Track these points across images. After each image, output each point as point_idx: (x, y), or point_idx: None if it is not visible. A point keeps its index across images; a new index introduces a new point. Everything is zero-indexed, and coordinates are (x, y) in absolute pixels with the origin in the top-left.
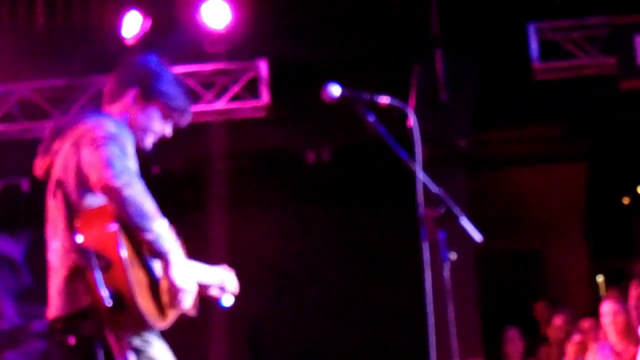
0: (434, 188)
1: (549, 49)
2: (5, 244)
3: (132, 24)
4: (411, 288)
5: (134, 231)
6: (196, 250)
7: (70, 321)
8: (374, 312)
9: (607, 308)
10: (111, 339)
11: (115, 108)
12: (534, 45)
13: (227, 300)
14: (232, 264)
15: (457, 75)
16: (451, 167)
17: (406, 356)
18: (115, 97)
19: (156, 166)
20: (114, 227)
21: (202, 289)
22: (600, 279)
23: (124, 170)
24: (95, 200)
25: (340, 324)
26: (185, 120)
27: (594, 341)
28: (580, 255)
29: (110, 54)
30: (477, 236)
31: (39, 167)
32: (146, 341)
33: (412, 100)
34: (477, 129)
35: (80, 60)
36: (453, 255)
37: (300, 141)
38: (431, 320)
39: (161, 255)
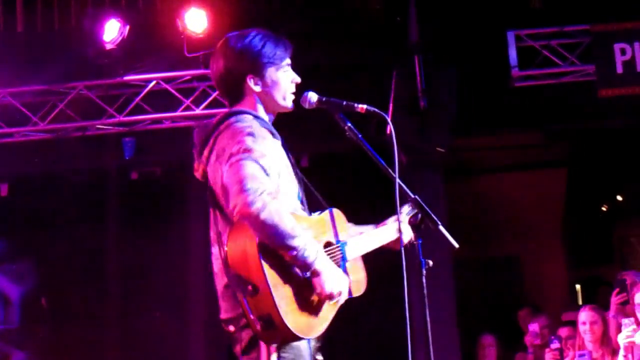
0: (411, 195)
1: (527, 57)
2: (6, 283)
3: (112, 30)
4: (388, 294)
5: (279, 252)
6: (177, 254)
7: (229, 323)
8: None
9: (584, 317)
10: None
11: (248, 103)
12: (512, 53)
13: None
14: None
15: (436, 82)
16: (429, 173)
17: None
18: (239, 95)
19: (135, 172)
20: (256, 251)
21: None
22: (578, 286)
23: (258, 191)
24: None
25: None
26: (289, 49)
27: (572, 348)
28: (559, 262)
29: (89, 60)
30: (454, 243)
31: (196, 170)
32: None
33: (391, 107)
34: (455, 136)
35: (60, 66)
36: (429, 263)
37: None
38: (408, 326)
39: (307, 269)
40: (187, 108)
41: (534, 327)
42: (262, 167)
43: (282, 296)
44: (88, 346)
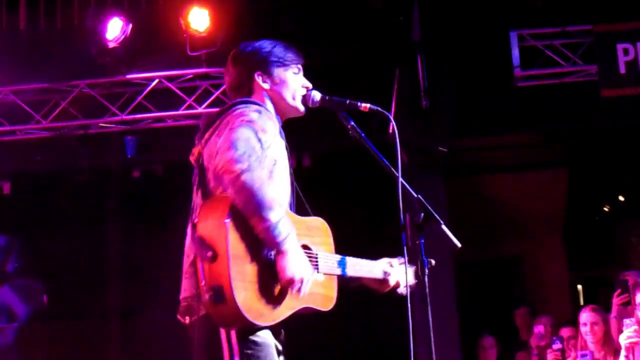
0: (414, 194)
1: (530, 56)
2: (15, 299)
3: (115, 29)
4: (390, 295)
5: (249, 221)
6: (178, 253)
7: (192, 302)
8: (351, 318)
9: (585, 318)
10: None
11: (255, 98)
12: (515, 53)
13: (401, 291)
14: None
15: (438, 81)
16: (431, 173)
17: None
18: (248, 94)
19: (137, 170)
20: (225, 218)
21: (369, 282)
22: (579, 287)
23: (247, 153)
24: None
25: (316, 330)
26: (301, 57)
27: (574, 349)
28: (560, 262)
29: (92, 58)
30: (456, 243)
31: (192, 154)
32: (261, 344)
33: (393, 107)
34: (457, 136)
35: (62, 65)
36: (432, 262)
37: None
38: (410, 326)
39: (274, 246)
40: (190, 107)
41: (539, 328)
42: (259, 139)
43: (241, 271)
44: (89, 344)
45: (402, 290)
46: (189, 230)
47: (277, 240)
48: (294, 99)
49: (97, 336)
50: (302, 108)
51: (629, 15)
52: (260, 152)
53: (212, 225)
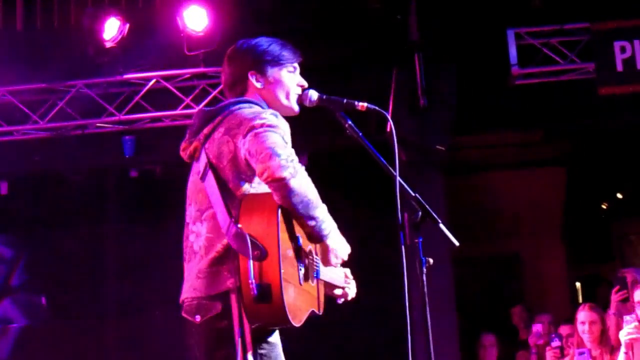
0: (412, 193)
1: (528, 55)
2: (16, 313)
3: (112, 29)
4: (388, 293)
5: (297, 220)
6: (176, 252)
7: (204, 302)
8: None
9: (583, 316)
10: (246, 327)
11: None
12: (512, 51)
13: (340, 301)
14: None
15: (436, 80)
16: (429, 171)
17: None
18: (241, 93)
19: (135, 170)
20: (276, 218)
21: (329, 288)
22: (578, 284)
23: (289, 159)
24: (252, 189)
25: (315, 328)
26: (298, 56)
27: (573, 346)
28: (559, 260)
29: (89, 57)
30: (454, 241)
31: (184, 149)
32: (273, 344)
33: (391, 106)
34: (455, 134)
35: (59, 65)
36: (430, 261)
37: None
38: (409, 325)
39: (320, 239)
40: (187, 106)
41: (537, 327)
42: (287, 140)
43: (288, 272)
44: (87, 344)
45: (340, 300)
46: (201, 228)
47: (323, 234)
48: (287, 98)
49: (95, 336)
50: (296, 108)
51: (626, 13)
52: (295, 155)
53: (262, 224)
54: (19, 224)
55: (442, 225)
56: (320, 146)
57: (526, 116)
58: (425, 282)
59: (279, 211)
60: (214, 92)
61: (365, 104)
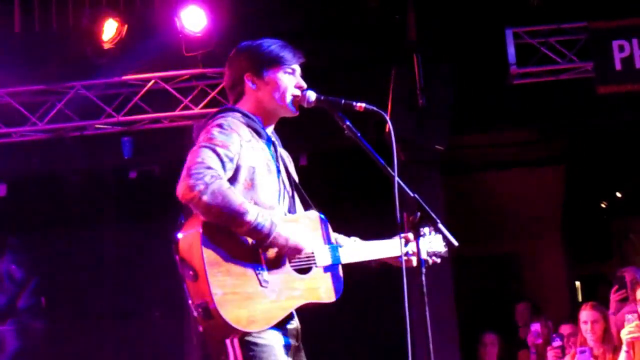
0: (410, 193)
1: (526, 54)
2: (12, 340)
3: (110, 30)
4: (388, 293)
5: (232, 230)
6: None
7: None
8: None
9: (585, 315)
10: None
11: (245, 102)
12: (511, 50)
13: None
14: None
15: (434, 79)
16: (428, 171)
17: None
18: (240, 95)
19: (134, 171)
20: (198, 236)
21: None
22: (578, 283)
23: (201, 174)
24: None
25: (314, 329)
26: (298, 57)
27: (574, 346)
28: (558, 258)
29: (88, 59)
30: (453, 241)
31: None
32: (262, 345)
33: (389, 105)
34: (454, 133)
35: (58, 66)
36: (429, 261)
37: (281, 143)
38: (408, 325)
39: (267, 238)
40: (186, 107)
41: (535, 326)
42: (218, 155)
43: (221, 285)
44: (86, 345)
45: (432, 259)
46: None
47: (265, 232)
48: (283, 100)
49: (94, 337)
50: (293, 109)
51: (624, 12)
52: (220, 168)
53: (188, 244)
54: (18, 225)
55: (441, 225)
56: (319, 147)
57: (525, 115)
58: (424, 282)
59: (201, 229)
60: (213, 93)
61: (364, 105)
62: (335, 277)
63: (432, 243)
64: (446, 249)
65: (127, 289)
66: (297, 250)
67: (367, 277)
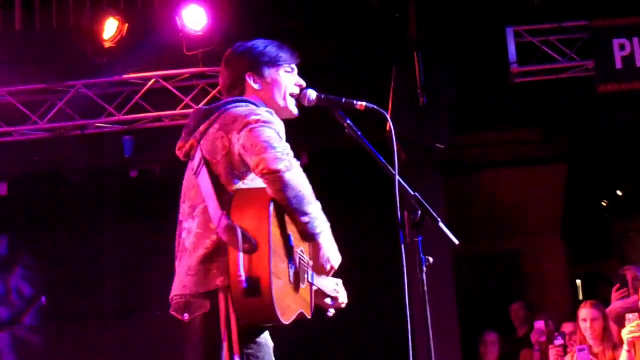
0: (411, 192)
1: (527, 52)
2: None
3: (111, 28)
4: (389, 292)
5: (290, 215)
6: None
7: (192, 300)
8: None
9: (585, 314)
10: (233, 327)
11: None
12: (512, 49)
13: (331, 313)
14: None
15: (435, 78)
16: (429, 170)
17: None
18: (240, 94)
19: (134, 170)
20: (268, 211)
21: (318, 296)
22: (579, 281)
23: (285, 152)
24: (245, 186)
25: (315, 327)
26: (296, 57)
27: (576, 344)
28: (559, 257)
29: (88, 58)
30: (454, 240)
31: (180, 148)
32: (261, 344)
33: (390, 104)
34: (455, 132)
35: (58, 65)
36: (430, 260)
37: None
38: (409, 323)
39: (313, 237)
40: (187, 106)
41: (539, 324)
42: (282, 136)
43: (278, 266)
44: (87, 345)
45: (331, 313)
46: (192, 224)
47: (316, 232)
48: (285, 99)
49: (94, 337)
50: (293, 109)
51: (625, 11)
52: (290, 149)
53: (254, 217)
54: (18, 224)
55: (442, 224)
56: (319, 145)
57: (526, 114)
58: (425, 281)
59: (272, 206)
60: (214, 92)
61: (364, 103)
62: (312, 294)
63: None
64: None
65: (127, 288)
66: (325, 259)
67: (368, 275)
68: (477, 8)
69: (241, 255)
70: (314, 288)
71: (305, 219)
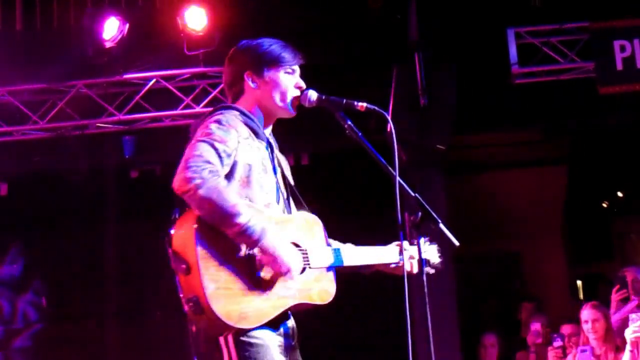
0: (412, 193)
1: (527, 54)
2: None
3: (111, 28)
4: (389, 292)
5: (220, 229)
6: None
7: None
8: (351, 316)
9: (586, 315)
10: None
11: (244, 101)
12: (512, 50)
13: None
14: None
15: (436, 79)
16: (430, 171)
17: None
18: (239, 93)
19: (135, 170)
20: (193, 230)
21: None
22: (579, 282)
23: (200, 167)
24: None
25: (314, 326)
26: (298, 58)
27: (575, 346)
28: (559, 258)
29: (89, 58)
30: (454, 241)
31: None
32: (257, 345)
33: (391, 105)
34: (455, 133)
35: (59, 65)
36: (430, 261)
37: (278, 146)
38: (409, 324)
39: (252, 244)
40: (187, 106)
41: (535, 326)
42: (216, 150)
43: (214, 279)
44: (87, 345)
45: (427, 269)
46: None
47: (254, 239)
48: (283, 100)
49: (94, 338)
50: (291, 110)
51: (626, 12)
52: (218, 163)
53: (182, 238)
54: (19, 224)
55: (442, 225)
56: (319, 147)
57: (526, 115)
58: (425, 282)
59: (196, 224)
60: (214, 92)
61: (365, 104)
62: (328, 280)
63: (427, 253)
64: (440, 260)
65: (127, 289)
66: (277, 263)
67: (368, 277)
68: (478, 9)
69: (177, 279)
70: (325, 272)
71: (234, 230)
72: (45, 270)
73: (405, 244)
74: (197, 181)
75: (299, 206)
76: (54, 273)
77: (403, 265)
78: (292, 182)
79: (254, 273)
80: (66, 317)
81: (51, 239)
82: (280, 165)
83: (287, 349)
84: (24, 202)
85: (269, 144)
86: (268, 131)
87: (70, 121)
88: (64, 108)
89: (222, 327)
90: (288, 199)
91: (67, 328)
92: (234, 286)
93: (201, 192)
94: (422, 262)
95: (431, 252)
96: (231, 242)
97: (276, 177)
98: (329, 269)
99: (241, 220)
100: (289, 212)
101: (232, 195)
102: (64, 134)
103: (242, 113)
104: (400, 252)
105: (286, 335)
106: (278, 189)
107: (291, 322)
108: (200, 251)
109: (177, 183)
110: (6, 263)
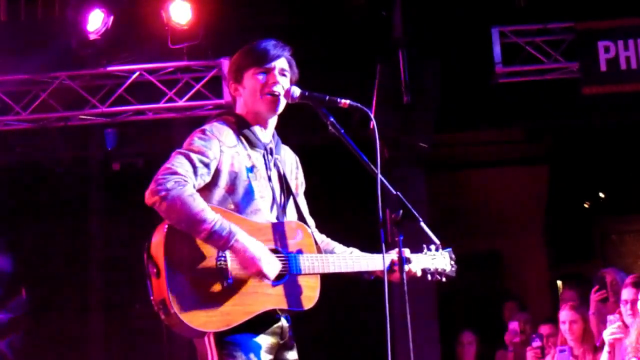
0: (393, 191)
1: (511, 53)
2: None
3: (96, 21)
4: (369, 290)
5: (191, 235)
6: None
7: None
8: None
9: (564, 316)
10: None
11: (239, 108)
12: (496, 49)
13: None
14: None
15: (420, 77)
16: (411, 168)
17: (364, 358)
18: (234, 100)
19: (117, 163)
20: (162, 237)
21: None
22: (560, 282)
23: (164, 181)
24: None
25: (297, 326)
26: (272, 56)
27: (554, 346)
28: (540, 258)
29: (73, 49)
30: (435, 240)
31: None
32: (238, 345)
33: (374, 102)
34: (438, 131)
35: (42, 56)
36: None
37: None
38: (388, 322)
39: (222, 248)
40: (170, 100)
41: (513, 325)
42: (191, 160)
43: (180, 283)
44: (70, 338)
45: (437, 277)
46: None
47: (222, 241)
48: (259, 100)
49: (79, 330)
50: (271, 108)
51: (611, 13)
52: (189, 173)
53: (154, 244)
54: (1, 215)
55: (422, 224)
56: (301, 143)
57: (509, 114)
58: (405, 280)
59: (166, 229)
60: (198, 86)
61: (348, 101)
62: (309, 287)
63: (436, 260)
64: (453, 269)
65: (111, 281)
66: (249, 265)
67: (344, 275)
68: (463, 7)
69: (149, 282)
70: (308, 277)
71: (201, 236)
72: (27, 262)
73: (407, 251)
74: (162, 193)
75: (298, 212)
76: (37, 265)
77: (384, 264)
78: (296, 187)
79: (226, 278)
80: (48, 309)
81: (33, 230)
82: (279, 171)
83: (273, 349)
84: (5, 193)
85: (267, 149)
86: (269, 133)
87: (53, 113)
88: (47, 99)
89: (187, 329)
90: (284, 205)
91: (49, 320)
92: (201, 291)
93: (166, 203)
94: (403, 261)
95: (441, 260)
96: (202, 248)
97: (271, 183)
98: (312, 275)
99: (207, 225)
100: (283, 218)
101: (197, 203)
102: (46, 126)
103: (238, 120)
104: (399, 261)
105: (272, 334)
106: (273, 195)
107: (281, 321)
108: (168, 256)
109: (146, 195)
110: None
